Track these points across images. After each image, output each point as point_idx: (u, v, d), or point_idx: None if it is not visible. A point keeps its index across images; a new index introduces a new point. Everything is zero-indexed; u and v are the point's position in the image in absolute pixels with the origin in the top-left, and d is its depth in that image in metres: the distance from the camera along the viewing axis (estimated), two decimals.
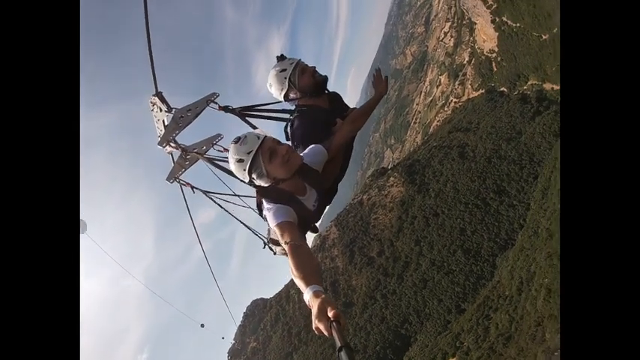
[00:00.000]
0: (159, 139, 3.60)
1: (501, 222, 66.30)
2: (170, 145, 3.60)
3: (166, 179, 3.93)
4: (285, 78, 3.07)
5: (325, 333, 1.46)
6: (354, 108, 3.28)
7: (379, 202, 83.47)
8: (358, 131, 3.09)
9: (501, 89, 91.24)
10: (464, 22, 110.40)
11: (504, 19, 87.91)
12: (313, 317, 1.52)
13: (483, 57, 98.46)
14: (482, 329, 51.09)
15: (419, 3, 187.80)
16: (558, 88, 75.58)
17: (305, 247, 2.12)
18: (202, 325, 14.35)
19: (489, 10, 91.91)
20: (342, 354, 1.25)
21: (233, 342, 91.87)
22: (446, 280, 66.50)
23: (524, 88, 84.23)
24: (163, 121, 3.55)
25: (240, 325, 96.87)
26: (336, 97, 3.32)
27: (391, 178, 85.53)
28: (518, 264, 53.10)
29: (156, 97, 3.38)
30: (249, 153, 2.41)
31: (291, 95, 3.14)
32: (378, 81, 3.24)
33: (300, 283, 1.82)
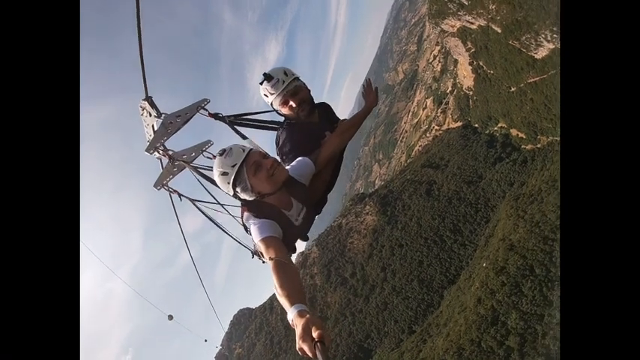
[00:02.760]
0: (147, 144, 3.51)
1: (452, 259, 77.45)
2: (158, 152, 3.51)
3: (154, 186, 3.84)
4: (268, 103, 3.04)
5: (309, 354, 1.41)
6: (344, 119, 3.23)
7: (355, 228, 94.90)
8: (347, 143, 3.08)
9: (475, 125, 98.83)
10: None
11: (481, 63, 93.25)
12: (297, 337, 1.47)
13: (462, 92, 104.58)
14: (417, 351, 62.55)
15: (413, 21, 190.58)
16: (523, 135, 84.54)
17: (290, 264, 2.04)
18: (171, 317, 13.42)
19: (468, 53, 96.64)
20: None
21: (220, 347, 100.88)
22: (402, 305, 78.41)
23: (495, 129, 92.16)
24: (153, 126, 3.48)
25: (227, 332, 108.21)
26: (325, 110, 3.29)
27: (367, 207, 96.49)
28: (452, 301, 64.17)
29: (145, 102, 3.30)
30: (233, 166, 2.34)
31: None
32: (369, 92, 3.24)
33: (283, 302, 1.76)
